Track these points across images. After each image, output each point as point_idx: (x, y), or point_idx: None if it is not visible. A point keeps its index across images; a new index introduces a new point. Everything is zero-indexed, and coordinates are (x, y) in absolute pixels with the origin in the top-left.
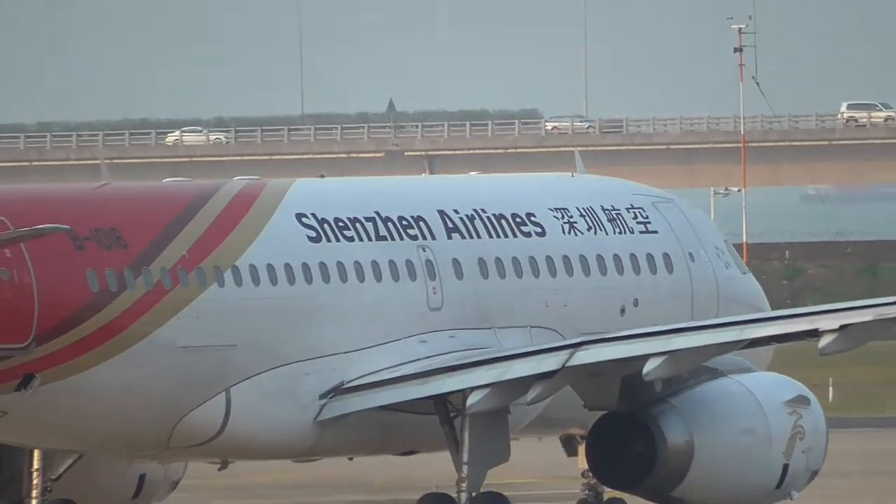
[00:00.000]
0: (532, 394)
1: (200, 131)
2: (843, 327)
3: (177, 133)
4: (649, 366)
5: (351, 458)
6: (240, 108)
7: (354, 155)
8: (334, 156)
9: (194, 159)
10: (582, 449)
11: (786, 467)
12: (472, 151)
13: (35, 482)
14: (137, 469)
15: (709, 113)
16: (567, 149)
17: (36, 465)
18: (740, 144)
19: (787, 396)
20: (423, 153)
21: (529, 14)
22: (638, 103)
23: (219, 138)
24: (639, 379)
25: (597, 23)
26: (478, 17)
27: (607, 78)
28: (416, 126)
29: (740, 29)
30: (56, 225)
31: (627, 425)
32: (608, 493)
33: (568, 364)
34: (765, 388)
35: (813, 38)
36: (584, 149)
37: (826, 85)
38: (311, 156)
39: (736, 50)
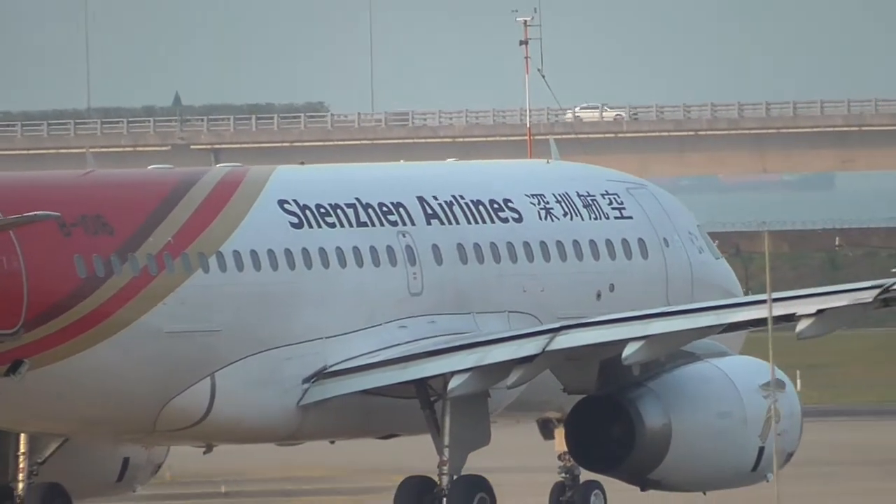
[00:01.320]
0: (512, 378)
1: None
2: (819, 312)
3: None
4: (628, 350)
5: (332, 442)
6: (26, 101)
7: (140, 148)
8: (120, 149)
9: None
10: (559, 432)
11: (761, 450)
12: (258, 145)
13: (21, 466)
14: (121, 453)
15: (494, 106)
16: (352, 142)
17: (22, 449)
18: (526, 137)
19: (762, 380)
20: (209, 147)
21: (316, 8)
22: (424, 95)
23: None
24: (617, 363)
25: (382, 17)
26: (264, 11)
27: (394, 71)
28: (202, 120)
29: (525, 21)
30: (47, 212)
31: (606, 409)
32: (584, 475)
33: (548, 348)
34: (741, 371)
35: (596, 30)
36: (371, 142)
37: (612, 79)
38: (96, 149)
39: (521, 43)
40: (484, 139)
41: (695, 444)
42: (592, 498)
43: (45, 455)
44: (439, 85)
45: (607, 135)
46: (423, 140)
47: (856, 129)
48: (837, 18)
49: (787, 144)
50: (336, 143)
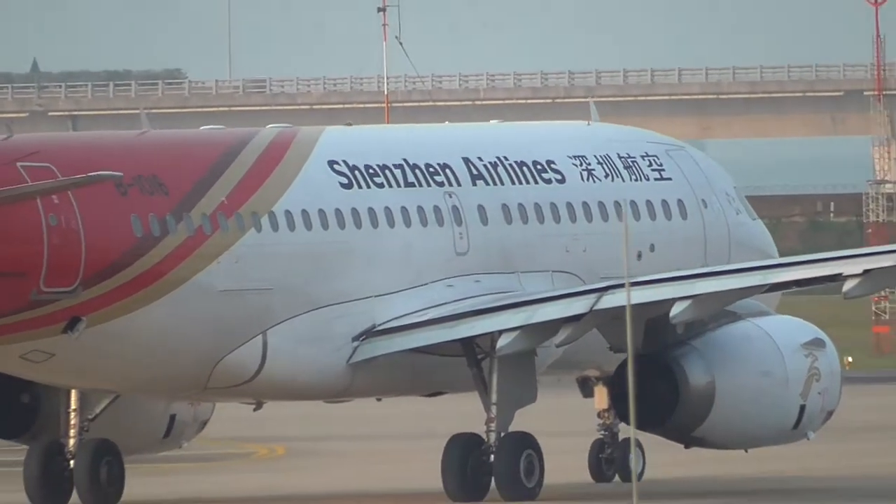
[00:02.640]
0: (560, 336)
1: None
2: (866, 272)
3: None
4: (676, 309)
5: (379, 399)
6: None
7: None
8: None
9: None
10: (598, 390)
11: (802, 408)
12: (116, 112)
13: (72, 422)
14: (168, 410)
15: (352, 73)
16: (210, 109)
17: (73, 405)
18: (384, 104)
19: (803, 339)
20: (66, 113)
21: None
22: (283, 62)
23: None
24: (662, 322)
25: None
26: None
27: (251, 39)
28: (60, 86)
29: None
30: (110, 172)
31: (651, 367)
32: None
33: (595, 307)
34: (782, 330)
35: None
36: (228, 109)
37: (470, 46)
38: None
39: (379, 10)
40: (341, 106)
41: (738, 402)
42: (631, 455)
43: (96, 412)
44: (298, 52)
45: (464, 102)
46: (280, 107)
47: (713, 97)
48: None
49: (645, 112)
50: (194, 109)
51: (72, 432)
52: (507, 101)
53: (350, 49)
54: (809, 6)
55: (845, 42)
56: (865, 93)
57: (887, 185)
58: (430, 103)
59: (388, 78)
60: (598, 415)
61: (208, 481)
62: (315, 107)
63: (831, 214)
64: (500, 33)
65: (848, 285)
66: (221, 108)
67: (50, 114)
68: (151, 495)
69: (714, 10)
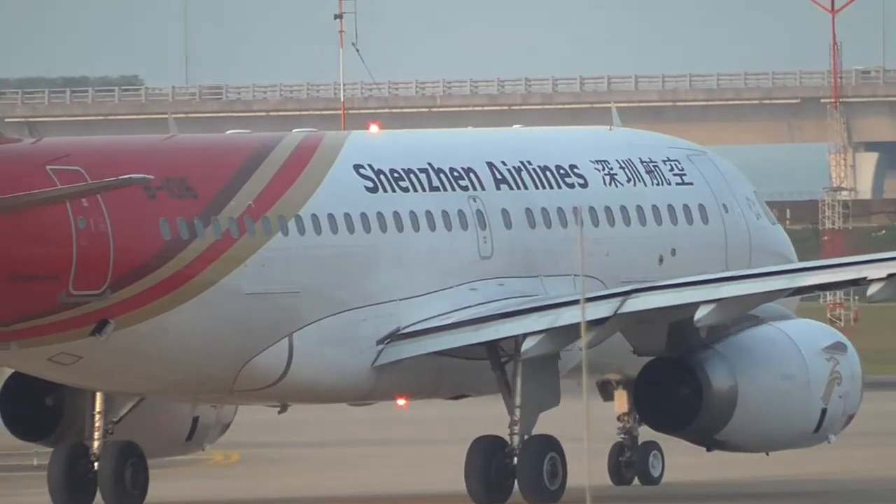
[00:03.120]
0: (585, 340)
1: None
2: (890, 276)
3: None
4: (700, 312)
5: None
6: None
7: None
8: None
9: None
10: (618, 394)
11: (824, 411)
12: (72, 118)
13: (97, 425)
14: (191, 412)
15: (308, 80)
16: (165, 116)
17: (98, 408)
18: (340, 111)
19: (825, 343)
20: (23, 119)
21: None
22: (240, 69)
23: None
24: (685, 326)
25: None
26: None
27: (209, 45)
28: (17, 93)
29: None
30: (142, 175)
31: (674, 370)
32: (643, 436)
33: (620, 311)
34: (804, 334)
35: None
36: (185, 115)
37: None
38: None
39: (336, 17)
40: (297, 113)
41: (760, 405)
42: (651, 458)
43: (121, 414)
44: (255, 58)
45: (421, 109)
46: (237, 114)
47: (670, 104)
48: None
49: (602, 120)
50: (150, 116)
51: (96, 435)
52: (463, 109)
53: (307, 56)
54: (766, 14)
55: (802, 50)
56: (822, 100)
57: (843, 193)
58: (387, 110)
59: (344, 85)
60: (618, 418)
61: (155, 486)
62: (271, 113)
63: (787, 221)
64: (457, 40)
65: (872, 289)
66: (178, 115)
67: (6, 120)
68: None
69: (672, 17)
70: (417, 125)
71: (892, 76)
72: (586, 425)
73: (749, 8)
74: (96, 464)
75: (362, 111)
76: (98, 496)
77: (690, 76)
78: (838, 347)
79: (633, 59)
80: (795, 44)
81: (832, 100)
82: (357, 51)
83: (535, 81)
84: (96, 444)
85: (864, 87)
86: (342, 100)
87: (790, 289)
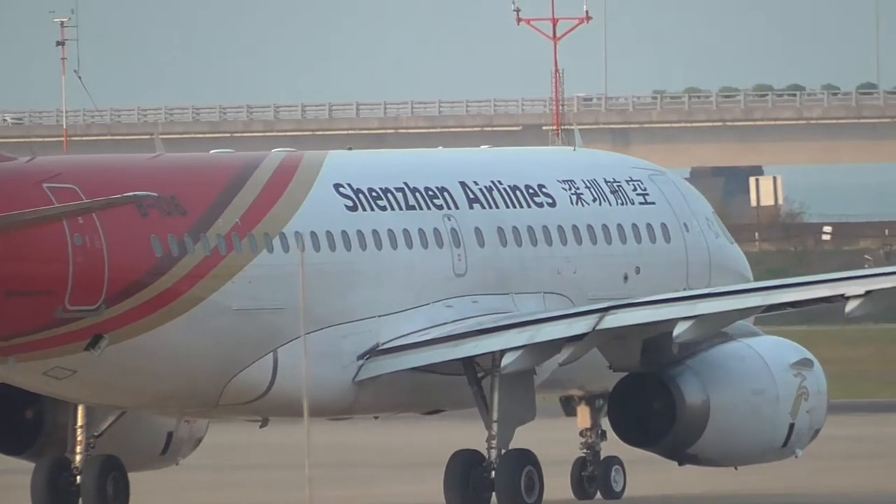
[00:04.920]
0: (563, 355)
1: None
2: (867, 293)
3: None
4: (678, 329)
5: (376, 418)
6: None
7: None
8: None
9: None
10: (581, 409)
11: (791, 426)
12: None
13: (79, 439)
14: (166, 427)
15: (31, 107)
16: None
17: (80, 422)
18: (62, 138)
19: (792, 359)
20: None
21: None
22: None
23: None
24: (658, 342)
25: None
26: None
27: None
28: None
29: (62, 23)
30: (146, 192)
31: (647, 386)
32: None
33: (598, 327)
34: (772, 350)
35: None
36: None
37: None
38: None
39: (58, 44)
40: (19, 140)
41: (731, 420)
42: (613, 472)
43: (102, 428)
44: None
45: (143, 136)
46: None
47: (392, 131)
48: (408, 20)
49: (324, 146)
50: None
51: (78, 448)
52: (184, 136)
53: (24, 82)
54: (489, 41)
55: (524, 77)
56: (544, 127)
57: None
58: (109, 137)
59: (66, 112)
60: (581, 433)
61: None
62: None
63: None
64: (178, 69)
65: (850, 306)
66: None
67: None
68: None
69: (393, 45)
70: (139, 151)
71: (614, 103)
72: None
73: (472, 35)
74: (79, 477)
75: (85, 138)
76: None
77: (412, 103)
78: (805, 363)
79: (355, 86)
80: (517, 71)
81: (554, 127)
82: (79, 77)
83: (257, 109)
84: (78, 457)
85: (586, 115)
86: (65, 126)
87: (765, 306)
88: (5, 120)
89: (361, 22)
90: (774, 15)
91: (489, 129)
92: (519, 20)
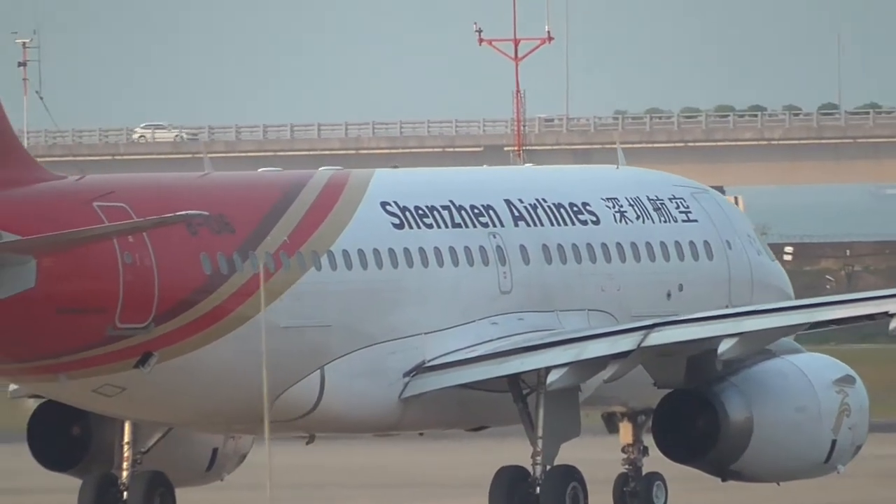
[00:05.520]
0: (608, 372)
1: None
2: None
3: None
4: (723, 346)
5: (421, 434)
6: None
7: None
8: None
9: None
10: (623, 426)
11: (834, 442)
12: None
13: (126, 455)
14: (211, 443)
15: None
16: None
17: (127, 438)
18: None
19: (835, 376)
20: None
21: None
22: None
23: None
24: (703, 359)
25: None
26: None
27: None
28: None
29: (24, 43)
30: (198, 211)
31: (691, 402)
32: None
33: (643, 344)
34: (815, 367)
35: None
36: None
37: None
38: None
39: (20, 64)
40: None
41: (774, 436)
42: (654, 489)
43: (149, 445)
44: None
45: (104, 157)
46: None
47: (353, 152)
48: (371, 41)
49: (287, 166)
50: None
51: (125, 465)
52: (146, 157)
53: None
54: (451, 62)
55: (486, 98)
56: (506, 148)
57: None
58: (71, 158)
59: (27, 133)
60: (623, 450)
61: None
62: None
63: None
64: (138, 89)
65: (894, 323)
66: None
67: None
68: None
69: (355, 64)
70: (103, 172)
71: (575, 124)
72: None
73: (434, 56)
74: (125, 493)
75: (47, 158)
76: None
77: (373, 124)
78: (847, 380)
79: (316, 107)
80: (479, 92)
81: (515, 148)
82: (41, 98)
83: (219, 130)
84: (125, 473)
85: (547, 136)
86: (26, 146)
87: (810, 323)
88: None
89: (323, 42)
90: (736, 36)
91: (450, 149)
92: (481, 41)
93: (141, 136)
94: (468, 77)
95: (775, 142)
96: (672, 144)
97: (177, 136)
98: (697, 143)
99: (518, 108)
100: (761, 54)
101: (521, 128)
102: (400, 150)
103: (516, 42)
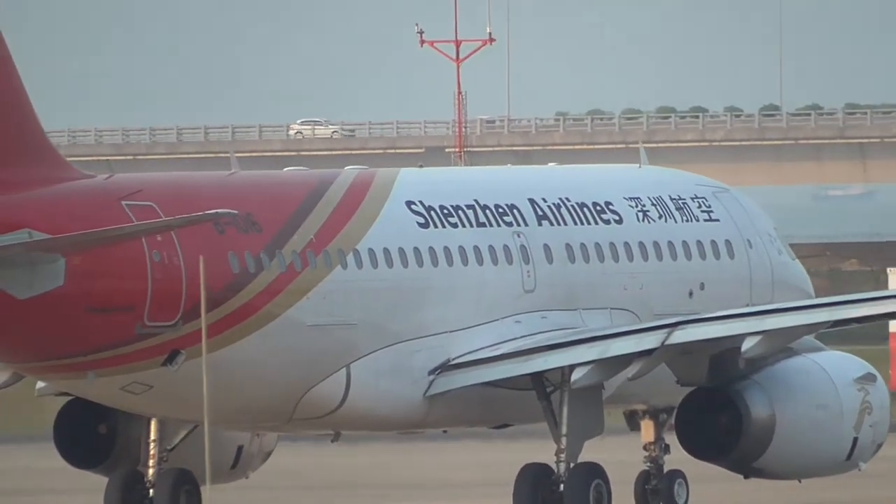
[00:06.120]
0: (632, 370)
1: None
2: None
3: None
4: (747, 344)
5: (445, 432)
6: None
7: None
8: None
9: None
10: (644, 423)
11: (855, 440)
12: None
13: (152, 452)
14: (236, 441)
15: None
16: None
17: (153, 436)
18: None
19: (856, 374)
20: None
21: None
22: None
23: None
24: (726, 357)
25: None
26: None
27: None
28: None
29: None
30: (227, 210)
31: (714, 400)
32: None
33: (667, 342)
34: (836, 365)
35: None
36: None
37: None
38: None
39: None
40: None
41: (796, 434)
42: (676, 486)
43: (175, 442)
44: None
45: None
46: None
47: (294, 153)
48: (311, 42)
49: (228, 167)
50: None
51: (151, 462)
52: (88, 158)
53: None
54: (392, 63)
55: (427, 99)
56: (447, 149)
57: None
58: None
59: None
60: (644, 447)
61: None
62: None
63: None
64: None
65: None
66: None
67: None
68: None
69: (294, 66)
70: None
71: (517, 126)
72: None
73: (375, 57)
74: (152, 490)
75: (639, 145)
76: None
77: (315, 126)
78: (868, 378)
79: (259, 108)
80: (420, 93)
81: (457, 149)
82: None
83: (160, 132)
84: (151, 471)
85: (489, 137)
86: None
87: (833, 321)
88: None
89: (263, 44)
90: (677, 37)
91: (392, 150)
92: (422, 42)
93: (298, 133)
94: (410, 79)
95: (717, 143)
96: (613, 146)
97: (335, 132)
98: (639, 145)
99: (459, 109)
100: (703, 56)
101: (463, 129)
102: (341, 152)
103: (458, 43)
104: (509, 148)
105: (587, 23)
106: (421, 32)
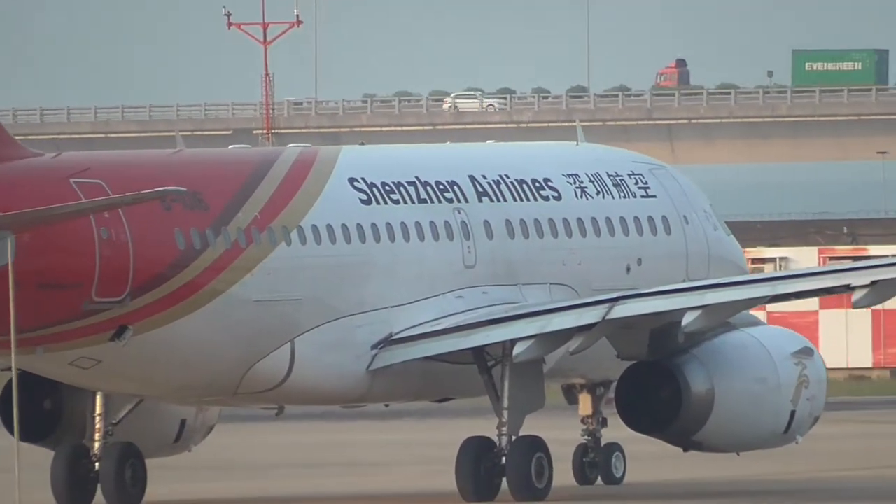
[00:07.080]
0: (574, 344)
1: None
2: (873, 283)
3: None
4: (687, 318)
5: (387, 405)
6: None
7: None
8: None
9: None
10: (582, 397)
11: (793, 413)
12: None
13: (97, 426)
14: (178, 415)
15: None
16: None
17: (98, 410)
18: None
19: (793, 348)
20: None
21: None
22: None
23: None
24: (666, 331)
25: None
26: None
27: None
28: None
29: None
30: (176, 188)
31: (654, 374)
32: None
33: (607, 317)
34: (773, 340)
35: None
36: None
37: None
38: None
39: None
40: None
41: (735, 407)
42: (613, 459)
43: (119, 416)
44: None
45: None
46: None
47: (102, 136)
48: (119, 24)
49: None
50: None
51: (97, 436)
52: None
53: None
54: (199, 45)
55: (235, 81)
56: (255, 131)
57: None
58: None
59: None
60: (582, 420)
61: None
62: None
63: None
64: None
65: (856, 296)
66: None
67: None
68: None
69: (103, 48)
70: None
71: (324, 108)
72: None
73: (183, 39)
74: (97, 464)
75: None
76: (98, 495)
77: (123, 108)
78: (806, 352)
79: (66, 92)
80: (229, 75)
81: (265, 131)
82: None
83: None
84: (97, 444)
85: (296, 119)
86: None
87: (773, 296)
88: None
89: (72, 24)
90: (487, 17)
91: (200, 132)
92: (230, 24)
93: (452, 107)
94: (217, 61)
95: (524, 125)
96: (421, 127)
97: (489, 105)
98: (446, 126)
99: (267, 91)
100: (511, 36)
101: (270, 111)
102: (150, 134)
103: (265, 26)
104: (317, 130)
105: (396, 7)
106: (228, 15)
